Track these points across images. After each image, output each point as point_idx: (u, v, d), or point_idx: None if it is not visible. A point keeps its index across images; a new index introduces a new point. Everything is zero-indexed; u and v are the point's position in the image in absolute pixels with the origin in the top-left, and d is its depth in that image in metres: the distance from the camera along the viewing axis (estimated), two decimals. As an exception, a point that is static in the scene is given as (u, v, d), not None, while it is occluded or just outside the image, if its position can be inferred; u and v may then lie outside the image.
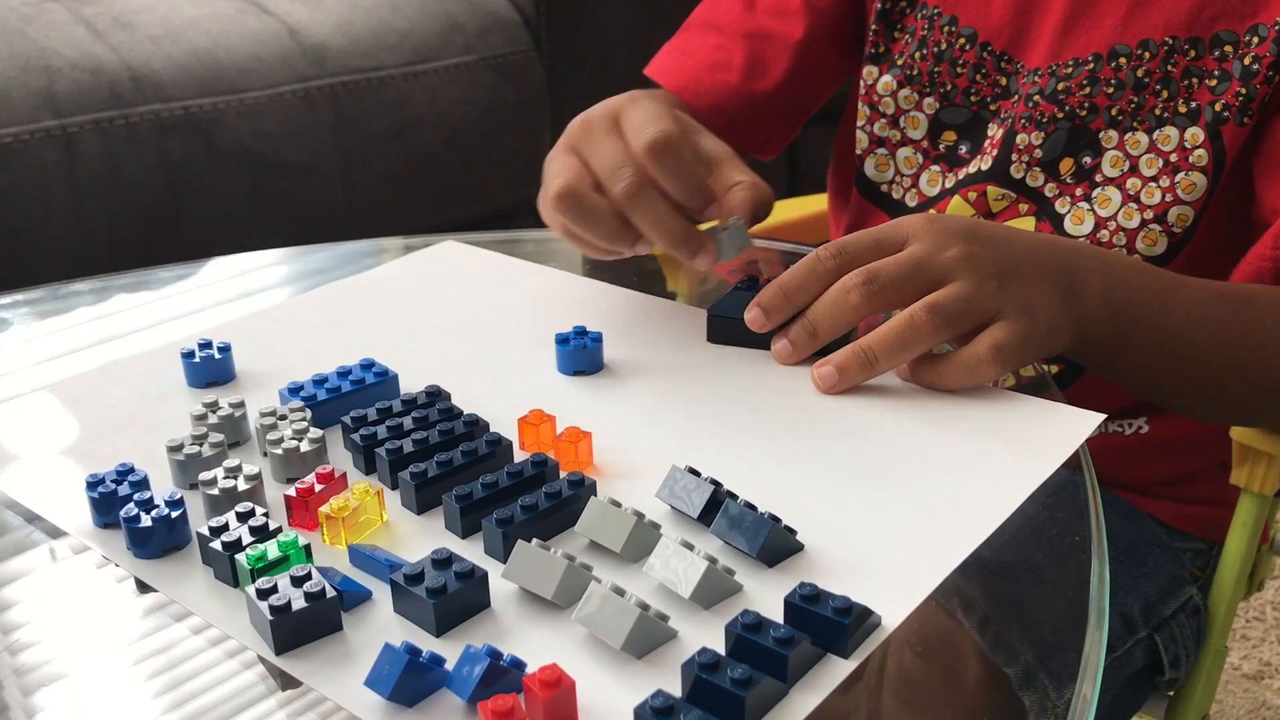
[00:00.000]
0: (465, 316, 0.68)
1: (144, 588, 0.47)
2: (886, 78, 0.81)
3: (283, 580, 0.43)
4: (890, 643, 0.42)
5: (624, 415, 0.56)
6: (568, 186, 0.61)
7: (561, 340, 0.60)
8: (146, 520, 0.47)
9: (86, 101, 1.31)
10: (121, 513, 0.48)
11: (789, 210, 1.05)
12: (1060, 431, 0.53)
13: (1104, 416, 0.54)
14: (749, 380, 0.59)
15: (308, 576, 0.43)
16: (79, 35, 1.37)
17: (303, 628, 0.42)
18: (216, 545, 0.46)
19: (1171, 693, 0.79)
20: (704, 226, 0.64)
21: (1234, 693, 1.29)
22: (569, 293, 0.70)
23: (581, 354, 0.60)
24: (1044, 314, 0.57)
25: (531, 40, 1.62)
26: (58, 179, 1.29)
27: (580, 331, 0.60)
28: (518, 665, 0.39)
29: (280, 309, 0.70)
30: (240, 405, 0.55)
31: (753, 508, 0.46)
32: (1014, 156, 0.75)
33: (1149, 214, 0.72)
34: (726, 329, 0.62)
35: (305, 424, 0.53)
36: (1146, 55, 0.71)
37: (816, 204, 1.00)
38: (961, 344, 0.57)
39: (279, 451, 0.51)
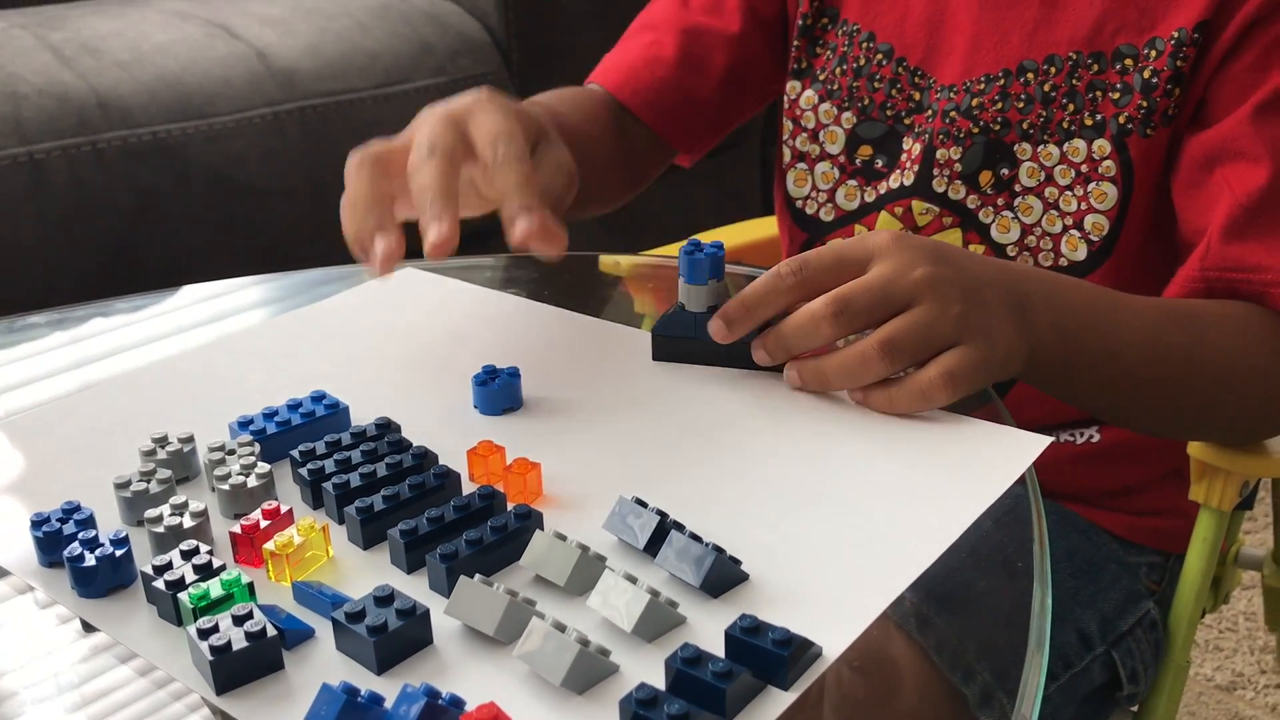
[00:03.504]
0: (421, 345, 0.68)
1: (89, 627, 0.46)
2: (809, 92, 0.83)
3: (224, 619, 0.43)
4: (844, 664, 0.42)
5: (575, 444, 0.57)
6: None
7: (480, 382, 0.60)
8: (90, 559, 0.47)
9: (53, 128, 1.31)
10: (65, 552, 0.47)
11: (749, 232, 1.06)
12: (1008, 455, 0.54)
13: (1051, 440, 0.54)
14: (702, 406, 0.59)
15: (249, 615, 0.43)
16: (46, 61, 1.37)
17: (243, 667, 0.42)
18: (159, 584, 0.45)
19: (1135, 708, 0.80)
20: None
21: (1207, 704, 1.29)
22: (526, 319, 0.70)
23: (507, 391, 0.59)
24: (1001, 341, 0.58)
25: (502, 61, 1.62)
26: (25, 206, 1.29)
27: (491, 371, 0.60)
28: (456, 704, 0.39)
29: (234, 339, 0.70)
30: (189, 440, 0.55)
31: (698, 538, 0.46)
32: (935, 171, 0.77)
33: (1069, 220, 0.74)
34: (671, 347, 0.63)
35: (253, 458, 0.53)
36: (1052, 70, 0.73)
37: (773, 226, 1.01)
38: (917, 366, 0.57)
39: (226, 487, 0.51)
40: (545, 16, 1.66)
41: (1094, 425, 0.79)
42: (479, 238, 1.74)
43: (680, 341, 0.62)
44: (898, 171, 0.79)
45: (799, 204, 0.85)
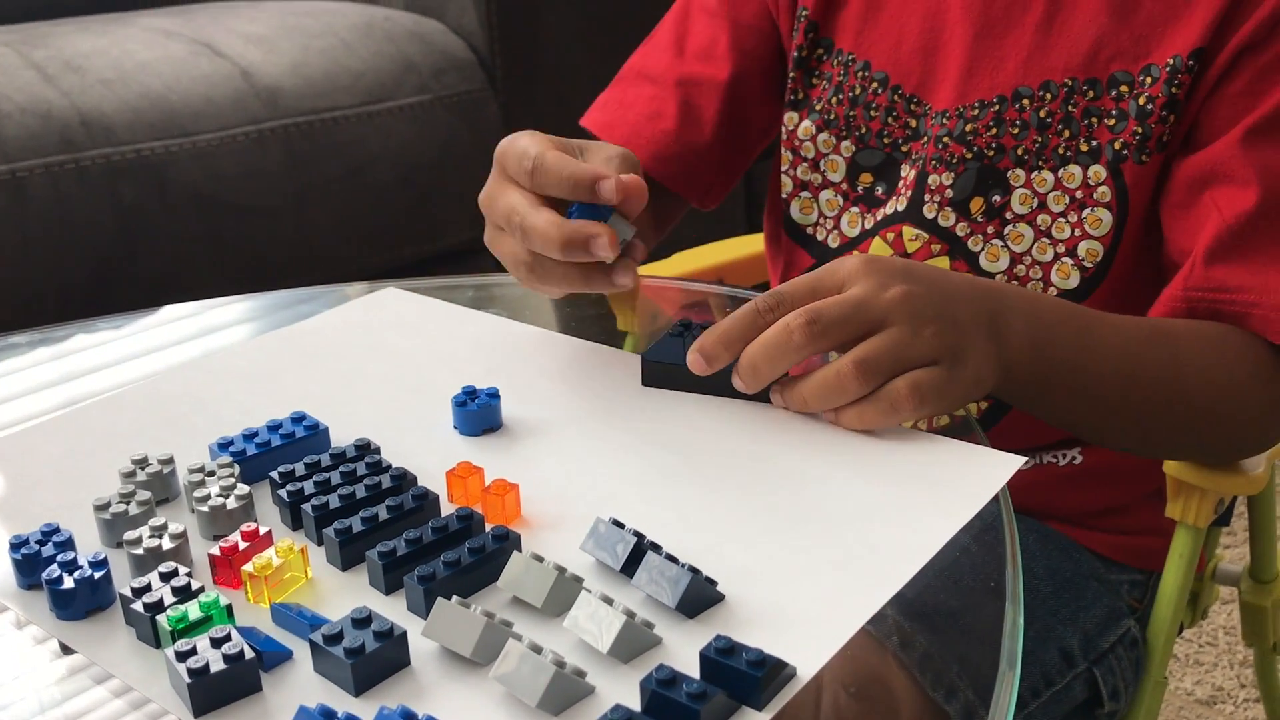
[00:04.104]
0: (402, 365, 0.68)
1: (66, 649, 0.46)
2: (806, 123, 0.83)
3: (202, 641, 0.43)
4: (829, 681, 0.43)
5: (554, 465, 0.57)
6: (521, 268, 0.64)
7: (459, 403, 0.60)
8: (69, 582, 0.47)
9: (36, 146, 1.31)
10: (44, 574, 0.48)
11: (732, 250, 1.06)
12: (981, 475, 0.54)
13: (1025, 460, 0.55)
14: (680, 428, 0.60)
15: (227, 638, 0.43)
16: (29, 79, 1.37)
17: (221, 689, 0.42)
18: (138, 606, 0.46)
19: (1113, 725, 0.80)
20: None
21: (1187, 718, 1.30)
22: (507, 340, 0.71)
23: (486, 412, 0.60)
24: (972, 360, 0.58)
25: (486, 79, 1.63)
26: (7, 224, 1.28)
27: (470, 392, 0.60)
28: (432, 725, 0.39)
29: (214, 359, 0.70)
30: (169, 461, 0.55)
31: (674, 559, 0.46)
32: (926, 197, 0.77)
33: (1061, 248, 0.74)
34: (660, 373, 0.63)
35: (233, 480, 0.53)
36: (1048, 96, 0.73)
37: (757, 244, 1.01)
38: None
39: (205, 509, 0.51)
40: (530, 35, 1.67)
41: (1076, 446, 0.80)
42: (459, 256, 1.74)
43: (670, 368, 0.62)
44: (894, 198, 0.80)
45: (808, 230, 0.85)
